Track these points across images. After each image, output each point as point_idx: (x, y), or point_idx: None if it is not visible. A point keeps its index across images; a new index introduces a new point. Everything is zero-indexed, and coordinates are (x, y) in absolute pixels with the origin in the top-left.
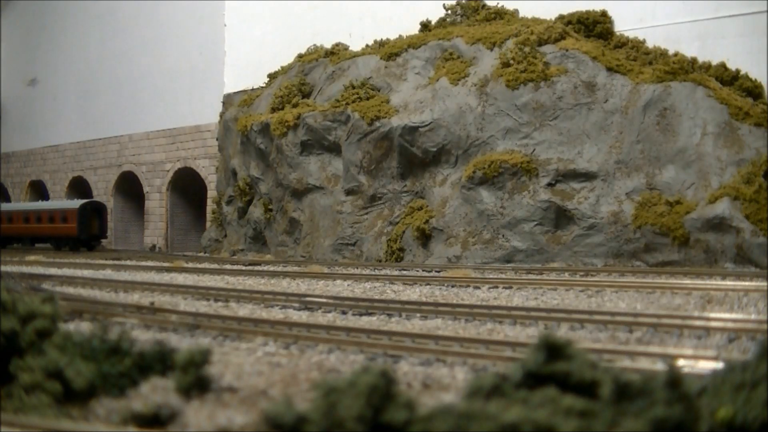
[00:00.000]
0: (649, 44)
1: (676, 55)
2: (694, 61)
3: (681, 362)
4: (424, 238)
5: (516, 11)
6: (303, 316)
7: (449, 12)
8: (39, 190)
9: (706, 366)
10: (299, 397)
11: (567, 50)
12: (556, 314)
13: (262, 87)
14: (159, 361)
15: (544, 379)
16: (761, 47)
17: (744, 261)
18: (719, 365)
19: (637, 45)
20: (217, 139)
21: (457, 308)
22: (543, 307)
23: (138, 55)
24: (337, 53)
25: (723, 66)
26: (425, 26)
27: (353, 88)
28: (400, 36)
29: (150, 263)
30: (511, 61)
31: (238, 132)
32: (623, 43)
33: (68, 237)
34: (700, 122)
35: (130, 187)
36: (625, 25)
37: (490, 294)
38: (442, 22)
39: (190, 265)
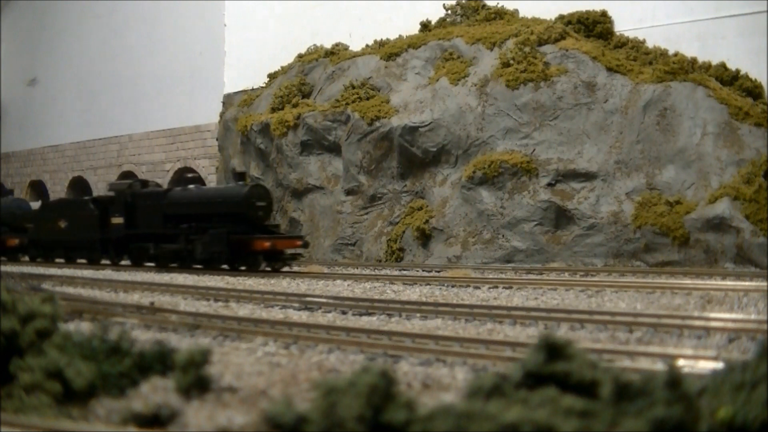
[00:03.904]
0: (649, 44)
1: (676, 55)
2: (694, 61)
3: (681, 362)
4: (424, 238)
5: (516, 11)
6: (303, 316)
7: (449, 12)
8: (39, 190)
9: (706, 366)
10: (299, 397)
11: (567, 50)
12: (556, 314)
13: (262, 87)
14: (159, 361)
15: (544, 379)
16: (761, 47)
17: (744, 261)
18: (719, 365)
19: (637, 45)
20: (217, 139)
21: (457, 308)
22: (543, 307)
23: (138, 55)
24: (337, 53)
25: (723, 66)
26: (425, 26)
27: (353, 88)
28: (400, 36)
29: (150, 263)
30: (511, 61)
31: (238, 132)
32: (623, 43)
33: None
34: (700, 122)
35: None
36: (625, 25)
37: (490, 294)
38: (442, 22)
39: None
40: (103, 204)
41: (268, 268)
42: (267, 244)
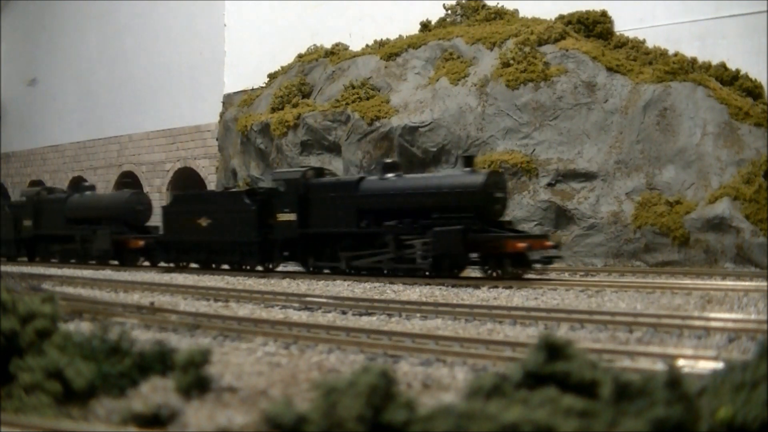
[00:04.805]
0: (649, 44)
1: (676, 55)
2: (694, 61)
3: (681, 362)
4: None
5: (516, 11)
6: (303, 316)
7: (449, 12)
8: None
9: (706, 366)
10: (299, 397)
11: (567, 50)
12: (556, 314)
13: (262, 87)
14: (159, 361)
15: (544, 379)
16: (761, 47)
17: (744, 261)
18: (719, 365)
19: (637, 45)
20: (217, 139)
21: (457, 308)
22: (543, 307)
23: (138, 55)
24: (337, 53)
25: (723, 66)
26: (425, 26)
27: (353, 88)
28: (400, 36)
29: (149, 263)
30: (511, 61)
31: (238, 132)
32: (623, 43)
33: None
34: (700, 122)
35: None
36: (625, 25)
37: (490, 294)
38: (442, 22)
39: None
40: (263, 197)
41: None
42: (522, 245)
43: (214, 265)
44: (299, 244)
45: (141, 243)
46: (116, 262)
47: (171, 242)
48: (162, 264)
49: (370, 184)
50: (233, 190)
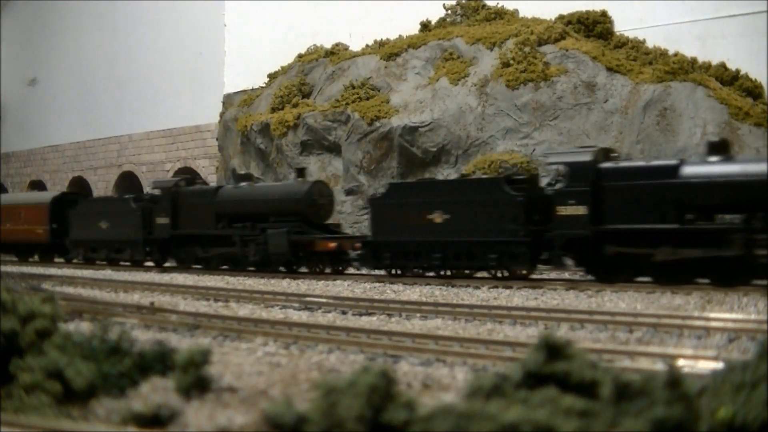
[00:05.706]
0: (649, 44)
1: (676, 55)
2: (694, 61)
3: (681, 362)
4: None
5: (516, 11)
6: (303, 316)
7: (449, 12)
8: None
9: (706, 366)
10: (299, 397)
11: (567, 50)
12: (556, 314)
13: (262, 87)
14: (159, 361)
15: (544, 379)
16: (761, 47)
17: None
18: (719, 365)
19: (637, 45)
20: (217, 139)
21: (457, 308)
22: (543, 307)
23: (138, 55)
24: (337, 53)
25: (723, 66)
26: (425, 26)
27: (353, 88)
28: (400, 36)
29: (150, 263)
30: (511, 61)
31: (238, 132)
32: (623, 43)
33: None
34: (700, 122)
35: (130, 187)
36: (625, 25)
37: (490, 294)
38: (442, 22)
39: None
40: (528, 185)
41: None
42: None
43: (450, 272)
44: (590, 244)
45: (332, 245)
46: (283, 269)
47: (386, 244)
48: (352, 270)
49: (696, 169)
50: (480, 177)
